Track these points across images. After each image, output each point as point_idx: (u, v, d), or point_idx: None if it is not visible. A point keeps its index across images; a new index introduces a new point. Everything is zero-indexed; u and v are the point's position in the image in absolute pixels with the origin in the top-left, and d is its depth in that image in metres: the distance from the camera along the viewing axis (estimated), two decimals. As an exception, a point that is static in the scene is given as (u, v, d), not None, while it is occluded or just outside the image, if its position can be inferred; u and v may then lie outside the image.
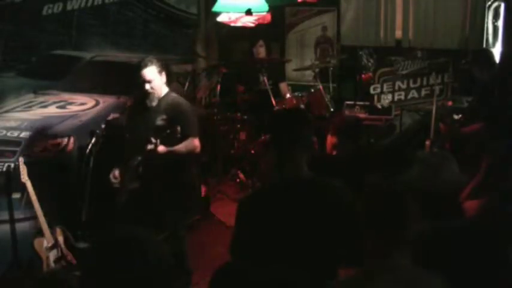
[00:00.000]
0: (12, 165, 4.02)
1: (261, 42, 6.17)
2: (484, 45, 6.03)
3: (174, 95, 3.80)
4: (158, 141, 3.42)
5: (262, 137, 5.63)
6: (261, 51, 6.19)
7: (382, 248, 1.79)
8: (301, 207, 2.16)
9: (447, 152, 2.56)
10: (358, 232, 2.19)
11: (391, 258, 1.77)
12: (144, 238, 1.46)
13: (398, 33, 6.54)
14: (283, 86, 6.19)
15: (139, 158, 3.60)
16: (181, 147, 3.63)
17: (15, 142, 4.14)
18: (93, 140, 3.31)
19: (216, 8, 5.67)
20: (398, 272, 1.75)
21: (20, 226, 4.06)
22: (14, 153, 4.09)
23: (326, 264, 2.12)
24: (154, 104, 3.69)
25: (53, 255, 3.65)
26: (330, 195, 2.21)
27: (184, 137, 3.66)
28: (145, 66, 3.60)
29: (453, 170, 2.69)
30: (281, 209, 2.18)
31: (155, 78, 3.63)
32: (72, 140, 4.33)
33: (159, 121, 3.63)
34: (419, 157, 2.73)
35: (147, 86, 3.61)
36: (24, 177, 3.77)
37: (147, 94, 3.64)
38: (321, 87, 5.76)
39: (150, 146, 3.40)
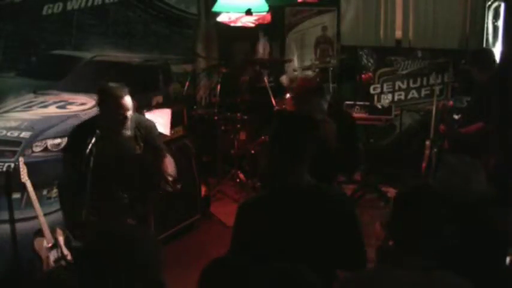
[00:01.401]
0: (12, 165, 4.02)
1: (264, 41, 6.20)
2: (484, 45, 6.03)
3: (133, 115, 3.50)
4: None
5: (262, 137, 5.64)
6: (265, 47, 6.23)
7: (405, 246, 1.77)
8: (303, 214, 2.15)
9: (476, 160, 2.48)
10: (357, 239, 2.19)
11: (412, 257, 1.76)
12: (133, 235, 1.46)
13: (398, 33, 6.54)
14: (283, 78, 6.20)
15: (126, 195, 3.43)
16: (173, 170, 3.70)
17: (15, 142, 4.14)
18: (93, 140, 3.29)
19: (216, 8, 5.67)
20: (418, 272, 1.73)
21: (20, 226, 4.07)
22: (14, 153, 4.09)
23: (325, 270, 2.11)
24: (129, 132, 3.44)
25: (53, 255, 3.64)
26: (331, 202, 2.20)
27: (158, 157, 3.61)
28: (125, 94, 3.32)
29: (482, 180, 2.60)
30: (282, 216, 2.16)
31: (131, 106, 3.39)
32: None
33: (138, 150, 3.48)
34: (448, 161, 2.64)
35: (128, 115, 3.35)
36: (24, 177, 3.77)
37: (123, 123, 3.37)
38: (320, 87, 5.76)
39: (170, 187, 3.45)
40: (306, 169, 2.22)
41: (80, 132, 3.47)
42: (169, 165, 3.67)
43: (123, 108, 3.30)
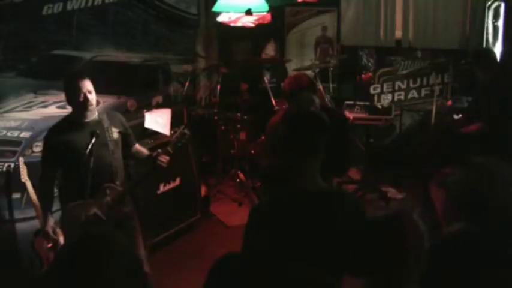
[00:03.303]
0: (12, 165, 4.02)
1: (272, 42, 6.22)
2: (484, 45, 6.03)
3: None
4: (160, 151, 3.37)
5: (262, 137, 5.63)
6: (273, 49, 6.25)
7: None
8: (316, 219, 2.10)
9: (503, 163, 2.39)
10: (372, 243, 2.16)
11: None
12: (110, 238, 1.44)
13: (398, 33, 6.54)
14: None
15: (118, 182, 3.33)
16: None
17: (15, 142, 4.15)
18: (93, 140, 3.28)
19: (216, 8, 5.67)
20: None
21: (20, 226, 4.07)
22: (14, 153, 4.10)
23: (339, 275, 2.07)
24: (94, 117, 3.33)
25: (53, 255, 3.64)
26: (345, 206, 2.15)
27: (130, 146, 3.56)
28: (83, 75, 3.27)
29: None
30: (296, 220, 2.10)
31: (91, 88, 3.27)
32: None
33: (116, 134, 3.39)
34: (474, 161, 2.54)
35: (90, 97, 3.23)
36: (24, 177, 3.76)
37: (86, 107, 3.24)
38: (321, 87, 5.76)
39: (163, 163, 3.32)
40: (318, 170, 2.16)
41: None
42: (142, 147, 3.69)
43: (82, 91, 3.19)
